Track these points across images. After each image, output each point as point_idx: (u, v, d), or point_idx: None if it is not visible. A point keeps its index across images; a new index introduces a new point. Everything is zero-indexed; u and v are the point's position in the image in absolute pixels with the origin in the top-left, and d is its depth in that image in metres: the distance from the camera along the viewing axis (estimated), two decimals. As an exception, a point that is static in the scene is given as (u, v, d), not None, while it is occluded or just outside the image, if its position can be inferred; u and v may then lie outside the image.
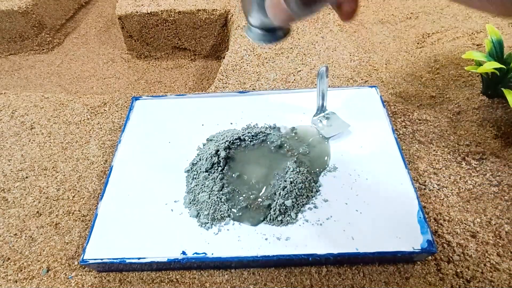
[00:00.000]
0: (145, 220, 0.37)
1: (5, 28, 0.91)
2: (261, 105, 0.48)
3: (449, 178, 0.43)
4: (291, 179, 0.38)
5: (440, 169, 0.44)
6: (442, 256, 0.36)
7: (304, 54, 0.65)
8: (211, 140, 0.44)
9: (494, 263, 0.35)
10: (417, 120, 0.49)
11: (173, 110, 0.49)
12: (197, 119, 0.47)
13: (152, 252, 0.34)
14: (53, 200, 0.43)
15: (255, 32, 0.29)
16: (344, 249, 0.34)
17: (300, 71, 0.61)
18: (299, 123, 0.46)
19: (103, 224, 0.37)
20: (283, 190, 0.37)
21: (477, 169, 0.43)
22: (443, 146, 0.46)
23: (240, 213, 0.37)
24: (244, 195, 0.38)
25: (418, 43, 0.68)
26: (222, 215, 0.37)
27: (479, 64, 0.47)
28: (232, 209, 0.37)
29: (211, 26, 0.86)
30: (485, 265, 0.35)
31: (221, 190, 0.38)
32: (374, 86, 0.50)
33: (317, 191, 0.38)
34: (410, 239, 0.34)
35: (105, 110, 0.55)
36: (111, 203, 0.39)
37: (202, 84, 0.85)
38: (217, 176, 0.39)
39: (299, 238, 0.35)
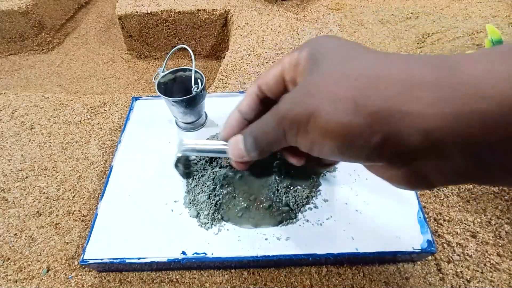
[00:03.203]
0: (145, 220, 0.37)
1: (5, 28, 0.91)
2: (261, 105, 0.48)
3: (449, 178, 0.43)
4: (291, 179, 0.38)
5: (440, 169, 0.43)
6: (442, 256, 0.36)
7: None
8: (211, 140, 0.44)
9: (494, 263, 0.35)
10: (417, 120, 0.49)
11: (173, 110, 0.49)
12: (197, 119, 0.47)
13: (152, 252, 0.34)
14: (53, 200, 0.43)
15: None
16: (344, 249, 0.34)
17: (300, 71, 0.61)
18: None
19: (103, 224, 0.37)
20: (283, 190, 0.37)
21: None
22: (443, 146, 0.46)
23: (240, 214, 0.37)
24: (244, 196, 0.38)
25: (418, 43, 0.68)
26: (222, 216, 0.37)
27: (479, 64, 0.47)
28: (232, 210, 0.37)
29: (211, 26, 0.86)
30: (485, 265, 0.35)
31: (221, 190, 0.38)
32: (374, 86, 0.50)
33: (317, 191, 0.38)
34: (410, 239, 0.34)
35: (105, 110, 0.55)
36: (111, 203, 0.39)
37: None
38: (217, 176, 0.39)
39: (299, 238, 0.35)
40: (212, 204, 0.37)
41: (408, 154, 0.16)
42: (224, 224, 0.36)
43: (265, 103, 0.25)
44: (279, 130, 0.20)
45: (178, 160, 0.33)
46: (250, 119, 0.26)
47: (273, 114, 0.21)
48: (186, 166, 0.35)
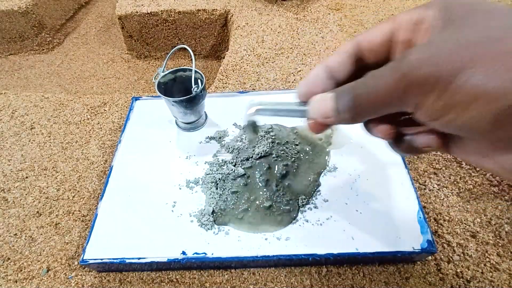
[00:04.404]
0: (145, 220, 0.37)
1: (5, 28, 0.91)
2: (261, 105, 0.48)
3: (449, 178, 0.43)
4: (291, 180, 0.38)
5: (440, 169, 0.44)
6: (442, 256, 0.36)
7: (304, 54, 0.65)
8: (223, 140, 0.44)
9: (494, 263, 0.35)
10: (417, 120, 0.49)
11: (173, 110, 0.49)
12: (197, 119, 0.47)
13: (152, 252, 0.34)
14: (53, 200, 0.43)
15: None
16: (344, 249, 0.34)
17: (300, 71, 0.61)
18: (299, 123, 0.46)
19: (103, 224, 0.37)
20: (283, 190, 0.37)
21: (477, 169, 0.43)
22: (443, 146, 0.46)
23: (241, 215, 0.37)
24: (245, 197, 0.38)
25: (418, 43, 0.68)
26: (223, 217, 0.37)
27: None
28: (232, 211, 0.37)
29: (211, 26, 0.86)
30: (485, 265, 0.35)
31: (221, 191, 0.38)
32: (374, 86, 0.50)
33: (317, 191, 0.38)
34: (410, 239, 0.34)
35: (105, 110, 0.55)
36: (111, 203, 0.39)
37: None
38: (217, 178, 0.39)
39: (299, 238, 0.35)
40: (213, 205, 0.37)
41: None
42: (224, 225, 0.36)
43: (359, 64, 0.22)
44: (398, 89, 0.17)
45: (249, 124, 0.30)
46: (338, 80, 0.22)
47: (393, 68, 0.17)
48: (254, 130, 0.33)
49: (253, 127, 0.32)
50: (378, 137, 0.22)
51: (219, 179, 0.39)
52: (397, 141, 0.22)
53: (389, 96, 0.17)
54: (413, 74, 0.16)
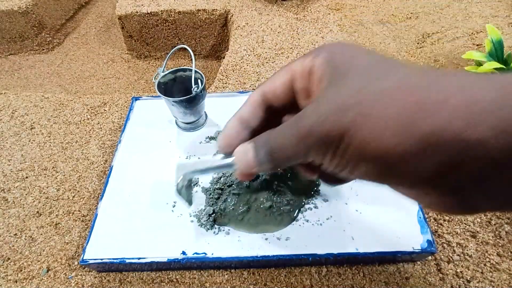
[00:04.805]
0: (145, 220, 0.37)
1: (5, 28, 0.91)
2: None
3: (449, 178, 0.43)
4: (291, 179, 0.38)
5: (440, 169, 0.43)
6: (442, 256, 0.36)
7: (304, 54, 0.65)
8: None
9: (494, 263, 0.35)
10: (417, 120, 0.49)
11: (173, 110, 0.49)
12: (197, 119, 0.47)
13: (152, 252, 0.34)
14: (53, 200, 0.43)
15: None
16: (344, 249, 0.34)
17: (300, 71, 0.61)
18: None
19: (103, 224, 0.37)
20: (284, 190, 0.37)
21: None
22: (443, 146, 0.46)
23: (241, 217, 0.37)
24: (245, 198, 0.38)
25: (418, 43, 0.68)
26: (222, 217, 0.37)
27: (479, 64, 0.47)
28: (233, 213, 0.37)
29: (211, 26, 0.86)
30: (485, 265, 0.35)
31: (221, 191, 0.38)
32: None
33: (317, 191, 0.38)
34: (410, 239, 0.34)
35: (105, 110, 0.55)
36: (111, 203, 0.39)
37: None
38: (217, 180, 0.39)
39: (299, 238, 0.35)
40: (213, 205, 0.37)
41: (466, 182, 0.14)
42: (224, 225, 0.36)
43: (269, 111, 0.23)
44: (301, 147, 0.18)
45: (181, 187, 0.31)
46: (253, 128, 0.24)
47: (294, 128, 0.18)
48: (189, 191, 0.33)
49: (187, 187, 0.31)
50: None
51: (219, 178, 0.39)
52: (323, 176, 0.24)
53: (295, 152, 0.19)
54: (310, 135, 0.17)
